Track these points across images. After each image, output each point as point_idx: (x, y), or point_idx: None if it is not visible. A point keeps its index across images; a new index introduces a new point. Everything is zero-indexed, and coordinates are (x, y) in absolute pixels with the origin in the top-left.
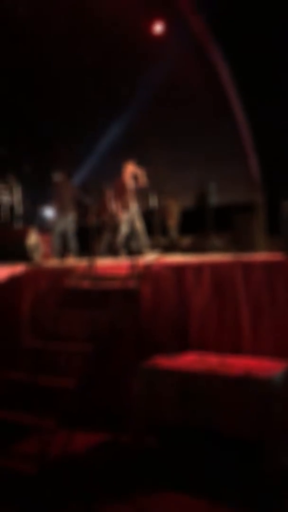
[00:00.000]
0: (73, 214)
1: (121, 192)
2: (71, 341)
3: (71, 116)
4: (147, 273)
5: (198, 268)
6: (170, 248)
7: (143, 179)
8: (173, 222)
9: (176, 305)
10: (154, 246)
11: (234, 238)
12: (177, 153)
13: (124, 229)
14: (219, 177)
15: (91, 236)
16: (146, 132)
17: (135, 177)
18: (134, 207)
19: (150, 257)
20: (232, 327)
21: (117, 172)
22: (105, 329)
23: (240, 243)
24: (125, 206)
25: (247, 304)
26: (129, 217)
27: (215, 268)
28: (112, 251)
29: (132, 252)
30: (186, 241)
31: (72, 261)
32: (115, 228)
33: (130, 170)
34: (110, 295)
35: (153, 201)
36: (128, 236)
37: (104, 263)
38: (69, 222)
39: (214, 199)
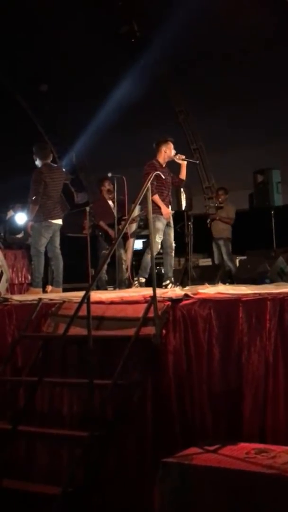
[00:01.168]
0: (60, 219)
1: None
2: (54, 425)
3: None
4: (175, 314)
5: (258, 307)
6: (212, 273)
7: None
8: (224, 231)
9: (222, 366)
10: (185, 271)
11: None
12: (220, 126)
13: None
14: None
15: (86, 253)
16: (173, 93)
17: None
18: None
19: (178, 288)
20: None
21: (127, 154)
22: (108, 406)
23: None
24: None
25: None
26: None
27: (285, 306)
28: (119, 279)
29: (151, 280)
30: (235, 263)
31: (56, 294)
32: (124, 243)
33: (167, 155)
34: (116, 349)
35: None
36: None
37: (108, 296)
38: (55, 231)
39: (279, 197)
